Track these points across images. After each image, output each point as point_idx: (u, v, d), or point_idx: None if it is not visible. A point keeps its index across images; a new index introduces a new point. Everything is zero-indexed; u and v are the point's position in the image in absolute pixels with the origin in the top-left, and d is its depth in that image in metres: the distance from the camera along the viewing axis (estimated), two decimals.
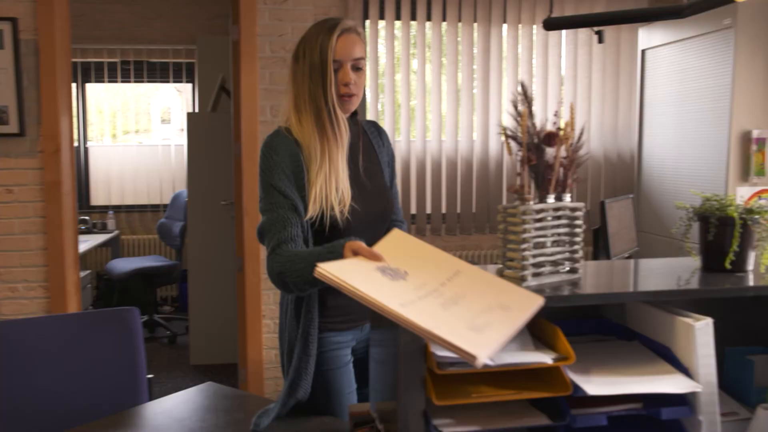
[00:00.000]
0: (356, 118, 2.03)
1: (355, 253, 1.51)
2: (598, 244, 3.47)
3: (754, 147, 4.00)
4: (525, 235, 1.42)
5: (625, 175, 5.22)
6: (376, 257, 1.43)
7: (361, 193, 1.93)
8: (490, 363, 1.31)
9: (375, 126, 2.13)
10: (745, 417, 1.62)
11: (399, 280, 1.25)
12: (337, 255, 1.59)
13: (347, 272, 1.24)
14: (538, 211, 1.44)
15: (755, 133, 3.99)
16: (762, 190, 4.08)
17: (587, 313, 1.71)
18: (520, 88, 1.46)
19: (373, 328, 1.67)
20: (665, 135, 4.66)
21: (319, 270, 1.26)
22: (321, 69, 1.85)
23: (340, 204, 1.83)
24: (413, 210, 4.99)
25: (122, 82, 7.05)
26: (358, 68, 1.90)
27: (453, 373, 1.31)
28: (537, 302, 1.28)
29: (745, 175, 4.03)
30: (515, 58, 5.03)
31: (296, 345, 1.88)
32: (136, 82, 7.08)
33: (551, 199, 1.47)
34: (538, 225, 1.44)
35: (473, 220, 5.05)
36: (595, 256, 3.93)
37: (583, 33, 5.11)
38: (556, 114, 1.49)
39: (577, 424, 1.36)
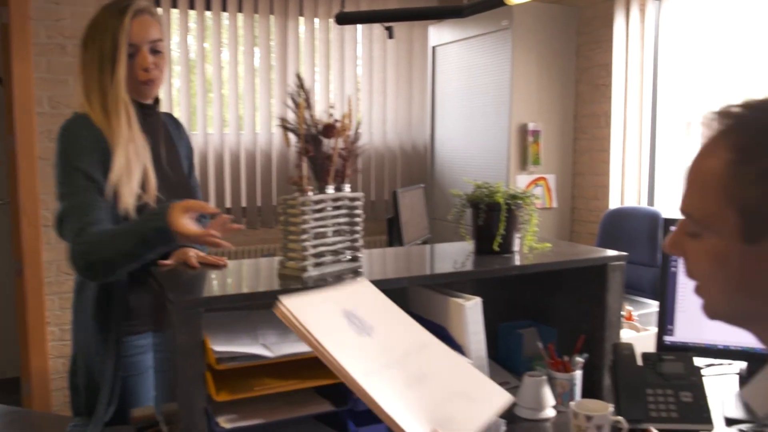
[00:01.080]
0: (158, 106, 1.93)
1: (187, 210, 1.53)
2: (393, 233, 3.60)
3: (530, 138, 4.34)
4: (305, 226, 1.43)
5: (419, 165, 5.46)
6: (206, 208, 1.56)
7: (163, 183, 1.83)
8: (269, 355, 1.31)
9: (172, 118, 2.03)
10: (515, 385, 1.76)
11: (364, 336, 1.13)
12: (162, 219, 1.52)
13: (310, 315, 1.09)
14: (317, 202, 1.46)
15: (531, 126, 4.33)
16: (538, 178, 4.45)
17: None
18: (296, 81, 1.47)
19: (155, 331, 1.61)
20: (454, 127, 4.93)
21: (279, 306, 1.10)
22: (112, 55, 1.71)
23: (145, 193, 1.72)
24: (212, 202, 4.87)
25: None
26: (156, 51, 1.78)
27: (233, 367, 1.30)
28: (504, 399, 1.19)
29: (523, 164, 4.37)
30: (312, 51, 5.07)
31: (95, 349, 1.74)
32: None
33: (330, 189, 1.50)
34: (317, 215, 1.46)
35: (273, 212, 5.03)
36: (390, 245, 4.08)
37: (378, 29, 5.26)
38: (332, 106, 1.51)
39: (360, 408, 1.40)
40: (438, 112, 5.16)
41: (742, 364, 1.89)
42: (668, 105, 4.15)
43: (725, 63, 3.95)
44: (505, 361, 1.92)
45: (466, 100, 4.80)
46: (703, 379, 1.64)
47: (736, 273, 0.81)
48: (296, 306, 1.09)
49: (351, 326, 1.12)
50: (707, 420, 1.57)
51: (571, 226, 4.67)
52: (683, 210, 0.86)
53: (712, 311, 0.87)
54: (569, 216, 4.66)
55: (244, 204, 4.97)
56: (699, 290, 0.88)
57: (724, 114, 0.81)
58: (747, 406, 0.82)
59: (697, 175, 0.83)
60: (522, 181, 4.32)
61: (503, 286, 1.93)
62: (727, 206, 0.79)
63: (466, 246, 1.82)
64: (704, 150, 0.82)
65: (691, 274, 0.88)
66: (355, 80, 5.24)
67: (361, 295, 1.26)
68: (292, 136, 1.48)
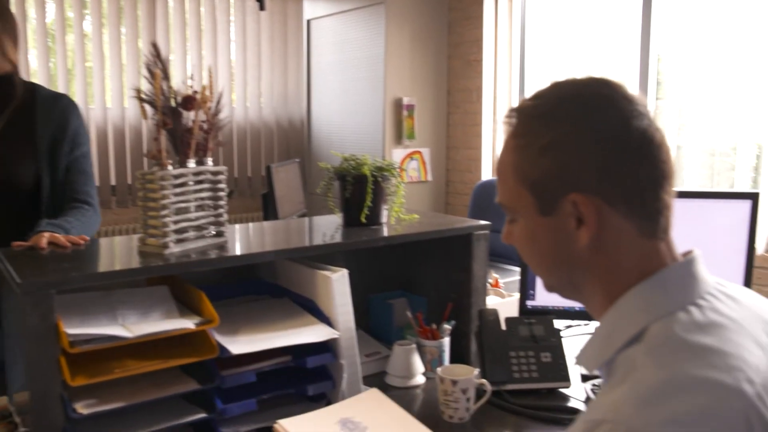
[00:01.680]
0: (13, 81, 1.81)
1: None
2: (268, 209, 3.55)
3: (405, 113, 4.40)
4: (164, 201, 1.38)
5: (296, 140, 5.41)
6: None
7: None
8: (128, 335, 1.26)
9: (55, 100, 1.90)
10: (386, 355, 1.79)
11: None
12: None
13: (306, 429, 1.21)
14: (177, 176, 1.41)
15: (405, 100, 4.39)
16: (413, 152, 4.52)
17: (243, 276, 1.74)
18: (152, 50, 1.41)
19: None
20: (330, 101, 4.92)
21: (278, 429, 1.24)
22: None
23: None
24: None
25: None
26: None
27: (89, 350, 1.24)
28: None
29: (398, 138, 4.43)
30: (183, 23, 4.88)
31: None
32: None
33: (192, 163, 1.45)
34: (178, 190, 1.42)
35: (129, 191, 4.82)
36: (266, 220, 4.03)
37: (251, 1, 5.13)
38: (192, 77, 1.46)
39: (227, 384, 1.38)
40: (314, 87, 5.13)
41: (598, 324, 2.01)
42: (535, 80, 4.31)
43: (588, 38, 4.14)
44: (377, 331, 1.94)
45: (341, 74, 4.79)
46: (562, 340, 1.73)
47: (545, 247, 0.88)
48: (293, 424, 1.23)
49: (343, 429, 1.26)
50: (565, 378, 1.66)
51: (446, 198, 4.79)
52: (498, 202, 0.94)
53: (547, 286, 0.94)
54: (444, 189, 4.77)
55: (96, 183, 4.73)
56: (532, 270, 0.95)
57: (513, 110, 0.89)
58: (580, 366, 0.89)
59: (499, 167, 0.92)
60: (397, 155, 4.38)
61: (373, 258, 1.95)
62: (522, 187, 0.86)
63: (335, 219, 1.82)
64: (503, 145, 0.91)
65: (521, 257, 0.94)
66: (228, 54, 5.10)
67: (364, 402, 1.37)
68: (149, 109, 1.42)
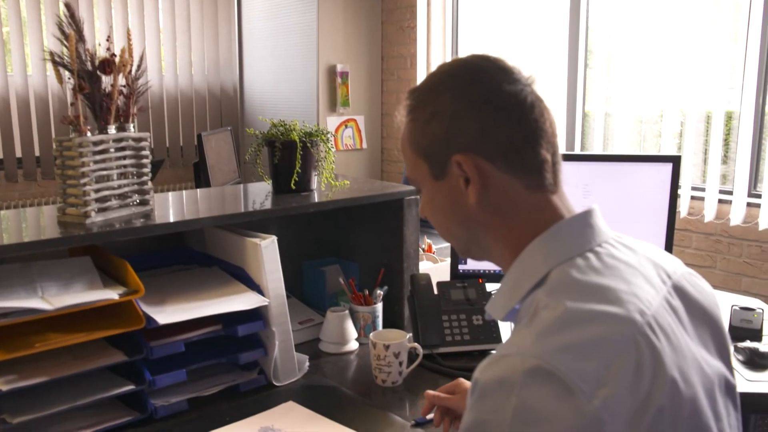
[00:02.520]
0: None
1: None
2: (200, 178, 3.48)
3: (339, 80, 4.36)
4: (84, 169, 1.34)
5: (229, 108, 5.30)
6: None
7: None
8: (48, 308, 1.22)
9: None
10: (319, 322, 1.79)
11: None
12: None
13: None
14: (97, 143, 1.36)
15: (339, 68, 4.34)
16: (348, 120, 4.49)
17: (170, 245, 1.70)
18: (65, 11, 1.34)
19: None
20: (263, 69, 4.83)
21: None
22: None
23: None
24: None
25: None
26: None
27: (6, 324, 1.20)
28: None
29: (332, 106, 4.39)
30: None
31: None
32: None
33: (112, 129, 1.40)
34: (98, 157, 1.37)
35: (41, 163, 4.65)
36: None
37: None
38: (108, 39, 1.40)
39: (155, 355, 1.35)
40: (246, 54, 5.02)
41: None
42: (469, 46, 4.33)
43: (520, 5, 4.16)
44: (310, 298, 1.94)
45: (273, 41, 4.70)
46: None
47: (444, 210, 0.95)
48: None
49: None
50: (497, 339, 1.69)
51: (381, 166, 4.79)
52: (407, 177, 1.02)
53: (460, 251, 1.00)
54: (379, 156, 4.77)
55: (19, 154, 4.55)
56: (443, 237, 1.01)
57: (408, 92, 0.97)
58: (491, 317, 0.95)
59: (400, 144, 0.99)
60: (332, 123, 4.34)
61: (305, 225, 1.94)
62: (417, 156, 0.94)
63: (265, 186, 1.80)
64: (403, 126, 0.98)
65: (434, 227, 1.00)
66: (156, 20, 4.94)
67: (282, 412, 1.39)
68: (65, 73, 1.36)
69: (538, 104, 0.90)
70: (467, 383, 1.27)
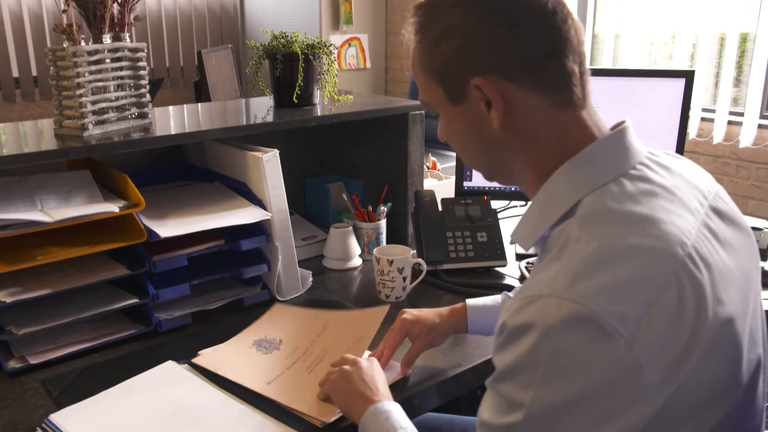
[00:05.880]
0: None
1: None
2: (200, 96, 3.42)
3: None
4: (79, 80, 1.30)
5: (230, 26, 5.18)
6: None
7: None
8: (48, 220, 1.20)
9: None
10: (323, 238, 1.78)
11: (273, 351, 1.29)
12: None
13: (223, 361, 1.25)
14: (92, 52, 1.31)
15: None
16: (351, 38, 4.38)
17: (171, 160, 1.67)
18: None
19: None
20: None
21: (196, 362, 1.25)
22: None
23: None
24: None
25: None
26: None
27: (7, 236, 1.19)
28: (383, 311, 1.34)
29: (336, 24, 4.27)
30: None
31: None
32: None
33: (108, 39, 1.36)
34: (94, 68, 1.33)
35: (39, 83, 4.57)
36: None
37: None
38: None
39: (157, 269, 1.35)
40: None
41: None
42: None
43: None
44: (314, 215, 1.93)
45: None
46: (499, 220, 1.74)
47: (464, 135, 0.89)
48: (211, 357, 1.26)
49: (260, 351, 1.29)
50: (501, 257, 1.68)
51: (385, 86, 4.71)
52: (420, 101, 0.94)
53: (485, 177, 0.95)
54: (383, 76, 4.68)
55: (16, 74, 4.47)
56: (465, 163, 0.97)
57: (412, 10, 0.89)
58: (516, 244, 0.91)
59: (412, 68, 0.91)
60: (335, 42, 4.24)
61: (309, 142, 1.91)
62: (430, 80, 0.87)
63: (267, 100, 1.75)
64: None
65: (457, 152, 0.95)
66: None
67: (271, 319, 1.40)
68: None
69: (560, 10, 0.81)
70: (409, 315, 1.23)
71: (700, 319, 0.70)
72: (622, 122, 0.86)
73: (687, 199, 0.81)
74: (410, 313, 1.23)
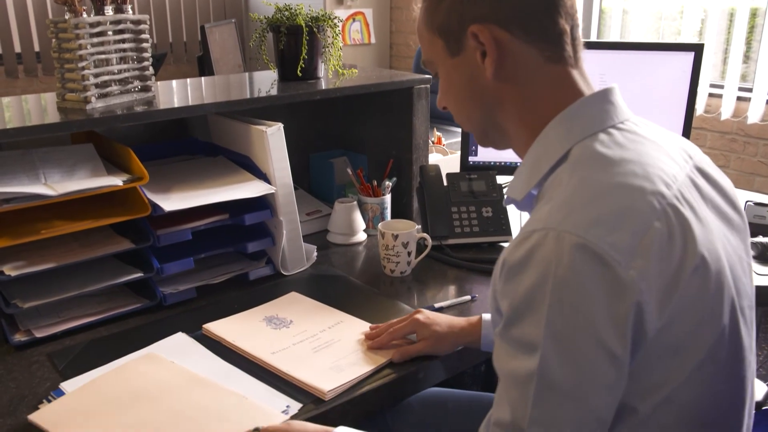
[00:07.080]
0: None
1: None
2: (204, 72, 3.40)
3: None
4: (82, 52, 1.28)
5: (233, 1, 5.13)
6: None
7: None
8: (52, 194, 1.20)
9: None
10: (327, 213, 1.77)
11: (282, 328, 1.29)
12: None
13: (232, 329, 1.28)
14: (94, 24, 1.30)
15: None
16: (356, 13, 4.34)
17: (174, 135, 1.66)
18: None
19: None
20: None
21: (206, 328, 1.28)
22: None
23: None
24: None
25: None
26: None
27: (10, 210, 1.18)
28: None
29: None
30: None
31: None
32: None
33: (109, 11, 1.34)
34: (96, 40, 1.31)
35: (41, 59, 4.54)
36: None
37: None
38: None
39: (161, 243, 1.35)
40: None
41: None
42: None
43: None
44: (318, 190, 1.92)
45: None
46: (504, 195, 1.73)
47: (461, 88, 0.91)
48: (221, 326, 1.29)
49: (269, 325, 1.30)
50: (506, 232, 1.67)
51: (390, 61, 4.68)
52: (423, 61, 0.97)
53: (478, 138, 0.97)
54: (387, 51, 4.64)
55: (18, 49, 4.44)
56: (460, 124, 0.98)
57: None
58: (511, 201, 0.92)
59: (417, 31, 0.95)
60: (341, 15, 4.20)
61: (313, 116, 1.89)
62: (433, 35, 0.90)
63: (271, 74, 1.74)
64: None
65: (453, 116, 0.96)
66: None
67: (286, 302, 1.40)
68: None
69: None
70: (422, 316, 1.22)
71: (686, 254, 0.73)
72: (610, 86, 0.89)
73: (673, 153, 0.85)
74: (425, 315, 1.23)
